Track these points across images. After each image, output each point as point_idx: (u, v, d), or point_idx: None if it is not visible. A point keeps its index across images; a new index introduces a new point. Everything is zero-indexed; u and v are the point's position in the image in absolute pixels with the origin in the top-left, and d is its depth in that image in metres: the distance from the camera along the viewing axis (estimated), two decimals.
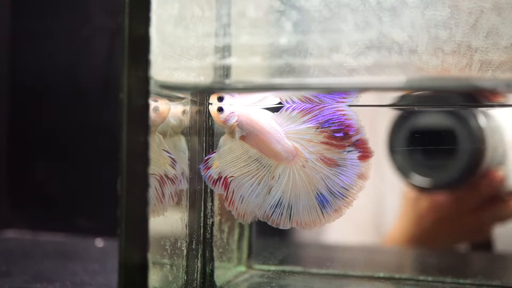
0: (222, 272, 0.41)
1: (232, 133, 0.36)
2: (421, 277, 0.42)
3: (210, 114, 0.37)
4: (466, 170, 0.50)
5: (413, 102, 0.41)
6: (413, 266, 0.53)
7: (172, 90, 0.34)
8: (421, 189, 0.53)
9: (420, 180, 0.52)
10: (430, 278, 0.42)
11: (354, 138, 0.35)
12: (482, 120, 0.50)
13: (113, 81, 0.67)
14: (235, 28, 0.33)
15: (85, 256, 0.57)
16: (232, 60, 0.31)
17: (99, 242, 0.64)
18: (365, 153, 0.35)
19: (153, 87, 0.31)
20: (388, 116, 0.52)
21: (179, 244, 0.36)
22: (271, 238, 0.49)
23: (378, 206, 0.62)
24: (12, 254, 0.57)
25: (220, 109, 0.36)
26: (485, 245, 0.54)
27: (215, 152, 0.37)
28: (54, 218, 0.68)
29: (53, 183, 0.69)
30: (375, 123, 0.42)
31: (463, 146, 0.50)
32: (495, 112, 0.51)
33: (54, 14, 0.69)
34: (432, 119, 0.50)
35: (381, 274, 0.43)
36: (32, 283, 0.45)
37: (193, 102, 0.38)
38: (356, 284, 0.42)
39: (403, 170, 0.52)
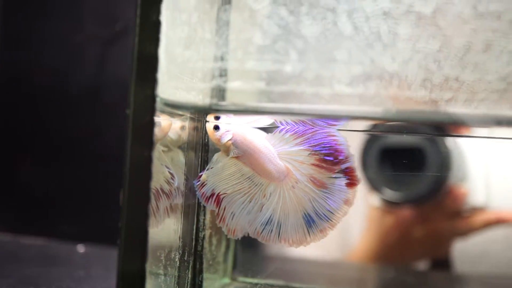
0: (209, 284, 0.42)
1: (226, 151, 0.38)
2: None
3: (207, 132, 0.39)
4: (433, 185, 0.53)
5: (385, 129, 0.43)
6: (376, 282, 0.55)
7: (174, 108, 0.35)
8: (391, 204, 0.55)
9: (391, 194, 0.54)
10: None
11: (343, 166, 0.37)
12: (448, 143, 0.53)
13: (103, 89, 0.68)
14: (235, 53, 0.35)
15: (68, 261, 0.57)
16: (234, 84, 0.33)
17: (81, 248, 0.64)
18: (352, 181, 0.38)
19: (158, 105, 0.32)
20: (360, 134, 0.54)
21: (172, 255, 0.37)
22: (254, 252, 0.50)
23: (345, 222, 0.64)
24: None
25: (216, 127, 0.38)
26: (445, 261, 0.57)
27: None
28: (35, 222, 0.69)
29: (36, 187, 0.69)
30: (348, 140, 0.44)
31: (431, 163, 0.52)
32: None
33: (46, 19, 0.69)
34: (403, 139, 0.52)
35: None
36: (18, 287, 0.45)
37: (191, 119, 0.39)
38: None
39: (375, 185, 0.55)
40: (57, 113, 0.69)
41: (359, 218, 0.58)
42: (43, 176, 0.69)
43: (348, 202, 0.38)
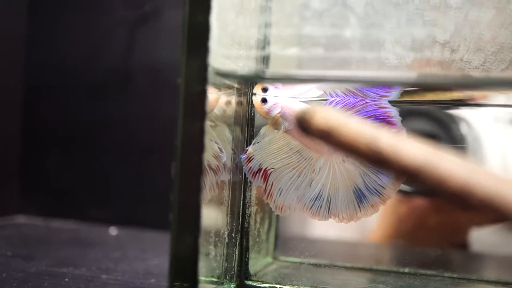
0: (254, 262, 0.41)
1: (275, 125, 0.37)
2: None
3: (253, 105, 0.38)
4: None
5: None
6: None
7: (224, 78, 0.34)
8: (405, 193, 0.54)
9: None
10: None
11: None
12: (463, 127, 0.52)
13: (132, 74, 0.66)
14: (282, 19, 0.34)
15: (103, 244, 0.56)
16: (278, 51, 0.31)
17: (113, 231, 0.64)
18: None
19: (210, 75, 0.31)
20: None
21: (221, 232, 0.36)
22: (295, 231, 0.49)
23: None
24: (28, 239, 0.57)
25: (264, 100, 0.37)
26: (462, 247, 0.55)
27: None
28: (65, 207, 0.68)
29: (65, 173, 0.69)
30: None
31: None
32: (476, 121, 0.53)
33: (73, 6, 0.68)
34: (417, 125, 0.51)
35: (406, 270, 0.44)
36: (58, 267, 0.45)
37: (238, 93, 0.38)
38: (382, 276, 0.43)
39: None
40: (85, 99, 0.68)
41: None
42: (72, 162, 0.69)
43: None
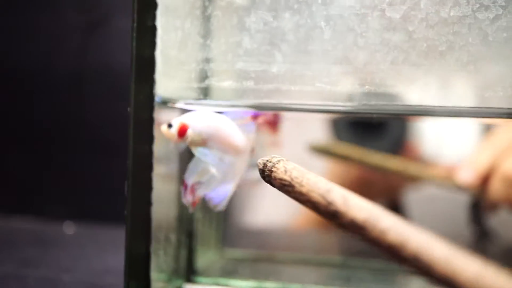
0: (200, 259, 0.46)
1: (193, 142, 0.35)
2: None
3: None
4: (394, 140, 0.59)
5: None
6: None
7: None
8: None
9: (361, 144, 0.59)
10: None
11: None
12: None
13: (87, 76, 0.70)
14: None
15: (62, 242, 0.60)
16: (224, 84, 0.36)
17: (69, 228, 0.67)
18: None
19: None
20: None
21: (170, 236, 0.41)
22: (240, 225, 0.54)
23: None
24: None
25: (169, 125, 0.34)
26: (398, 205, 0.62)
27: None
28: (23, 204, 0.71)
29: (23, 170, 0.72)
30: None
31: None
32: None
33: (26, 9, 0.71)
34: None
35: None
36: (21, 268, 0.49)
37: None
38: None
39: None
40: (42, 98, 0.71)
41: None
42: (30, 160, 0.72)
43: None
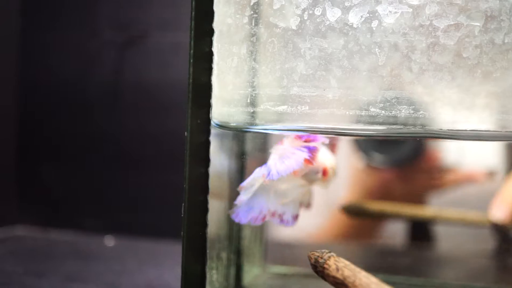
0: (246, 276, 0.47)
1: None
2: None
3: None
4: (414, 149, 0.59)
5: None
6: None
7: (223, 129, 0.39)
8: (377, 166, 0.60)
9: (379, 157, 0.60)
10: None
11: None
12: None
13: (120, 93, 0.71)
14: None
15: (102, 256, 0.61)
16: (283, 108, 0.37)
17: (109, 241, 0.69)
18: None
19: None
20: None
21: (221, 254, 0.42)
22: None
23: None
24: (33, 252, 0.62)
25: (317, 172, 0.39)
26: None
27: None
28: (62, 217, 0.73)
29: (61, 184, 0.73)
30: None
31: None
32: None
33: (63, 27, 0.72)
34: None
35: None
36: (67, 282, 0.50)
37: None
38: None
39: (365, 150, 0.60)
40: (79, 114, 0.73)
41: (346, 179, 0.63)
42: (67, 175, 0.73)
43: None
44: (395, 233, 0.62)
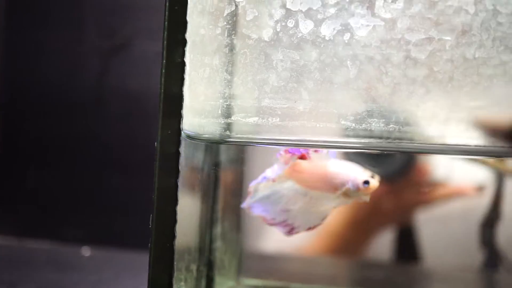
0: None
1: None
2: None
3: None
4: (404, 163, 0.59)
5: None
6: None
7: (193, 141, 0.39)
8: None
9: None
10: None
11: None
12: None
13: (105, 98, 0.71)
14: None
15: (79, 266, 0.61)
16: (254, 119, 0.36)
17: (86, 251, 0.68)
18: None
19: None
20: None
21: (190, 266, 0.41)
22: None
23: None
24: (7, 262, 0.61)
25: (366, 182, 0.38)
26: (409, 228, 0.62)
27: None
28: (39, 226, 0.72)
29: (40, 192, 0.72)
30: None
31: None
32: None
33: (48, 30, 0.72)
34: None
35: None
36: None
37: None
38: None
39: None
40: (61, 123, 0.72)
41: None
42: (47, 181, 0.72)
43: None
44: (379, 247, 0.62)
